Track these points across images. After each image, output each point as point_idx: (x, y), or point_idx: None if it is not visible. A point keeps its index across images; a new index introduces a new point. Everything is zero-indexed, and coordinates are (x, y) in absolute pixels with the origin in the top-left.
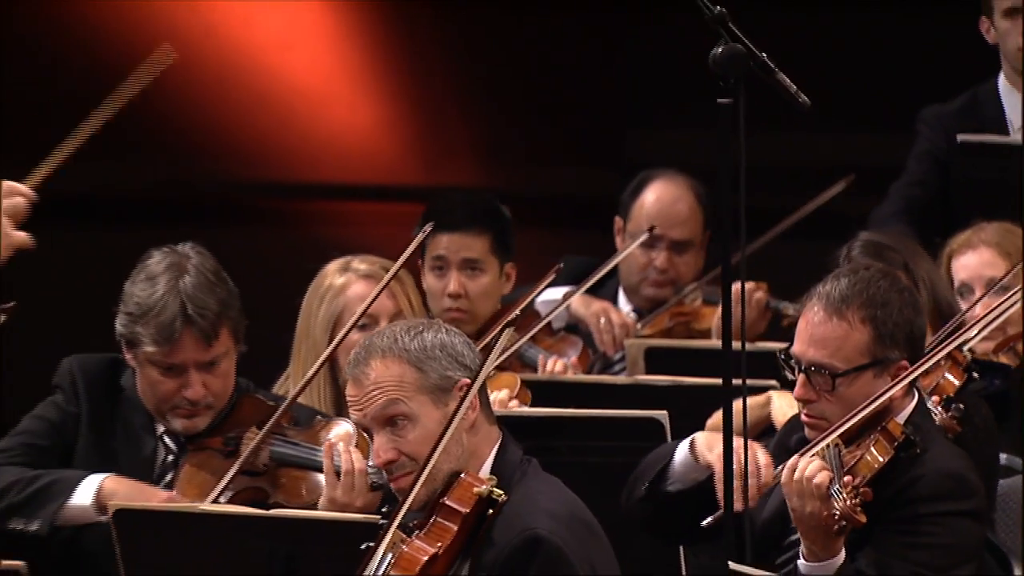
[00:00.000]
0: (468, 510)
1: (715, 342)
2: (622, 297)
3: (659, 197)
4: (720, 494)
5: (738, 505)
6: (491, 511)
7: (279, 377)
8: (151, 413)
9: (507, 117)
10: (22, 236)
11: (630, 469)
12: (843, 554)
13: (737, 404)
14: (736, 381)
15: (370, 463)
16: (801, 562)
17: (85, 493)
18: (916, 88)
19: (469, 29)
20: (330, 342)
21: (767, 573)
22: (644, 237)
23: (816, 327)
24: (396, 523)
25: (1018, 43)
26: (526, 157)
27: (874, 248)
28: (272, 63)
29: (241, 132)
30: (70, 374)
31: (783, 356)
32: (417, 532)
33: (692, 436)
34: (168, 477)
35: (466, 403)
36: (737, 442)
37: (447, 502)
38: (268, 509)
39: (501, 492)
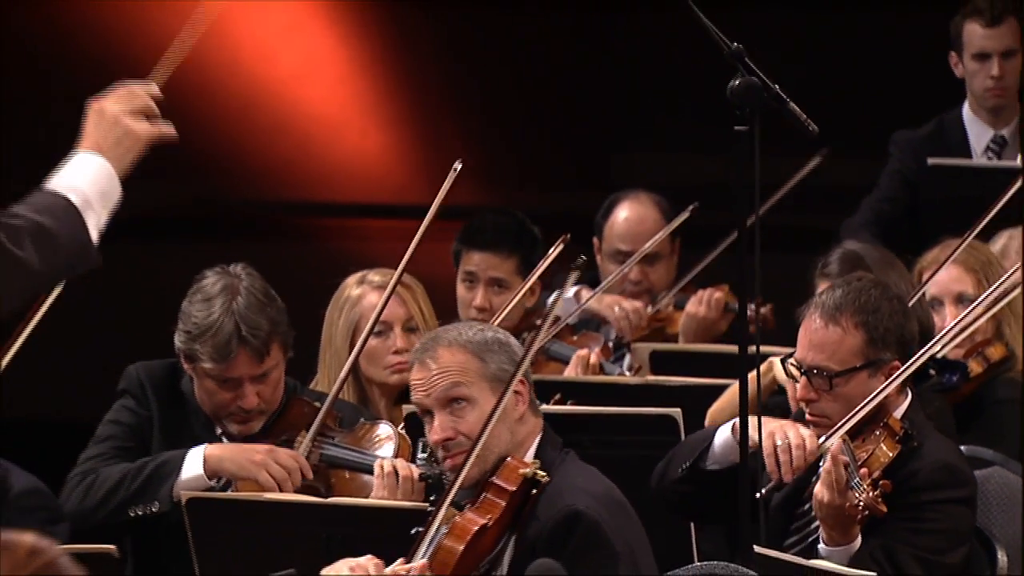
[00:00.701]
0: (515, 488)
1: (715, 346)
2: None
3: (627, 217)
4: (771, 468)
5: (787, 478)
6: (535, 491)
7: (309, 382)
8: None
9: (503, 143)
10: (168, 129)
11: (647, 461)
12: (859, 540)
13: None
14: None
15: (420, 455)
16: (822, 547)
17: (193, 465)
18: (888, 115)
19: (468, 66)
20: (350, 349)
21: (794, 558)
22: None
23: (814, 333)
24: (450, 498)
25: (984, 84)
26: (519, 179)
27: (850, 259)
28: (291, 94)
29: (264, 156)
30: (138, 380)
31: (786, 361)
32: (469, 507)
33: (733, 421)
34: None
35: (507, 396)
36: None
37: (496, 481)
38: None
39: (544, 474)
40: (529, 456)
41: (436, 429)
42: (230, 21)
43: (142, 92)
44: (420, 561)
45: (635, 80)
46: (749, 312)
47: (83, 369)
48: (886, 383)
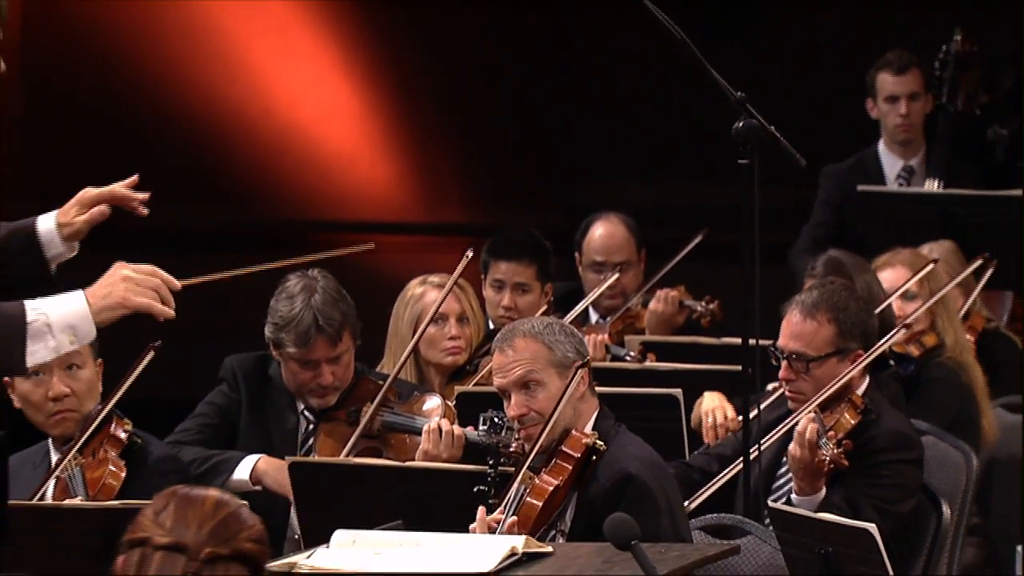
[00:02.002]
0: (579, 455)
1: (697, 338)
2: (591, 309)
3: (601, 234)
4: (708, 438)
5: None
6: (595, 457)
7: (376, 366)
8: (293, 395)
9: (487, 172)
10: (168, 311)
11: (654, 434)
12: (824, 491)
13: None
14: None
15: (481, 427)
16: (794, 497)
17: (244, 470)
18: (817, 151)
19: (459, 109)
20: (413, 337)
21: (804, 511)
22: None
23: (795, 326)
24: (528, 463)
25: (895, 121)
26: (499, 202)
27: (833, 263)
28: (314, 133)
29: (289, 183)
30: (231, 369)
31: (771, 348)
32: (543, 470)
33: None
34: (309, 442)
35: (574, 382)
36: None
37: (564, 449)
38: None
39: (602, 443)
40: (588, 428)
41: (513, 407)
42: (263, 71)
43: (162, 278)
44: (512, 518)
45: (596, 121)
46: (700, 307)
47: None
48: (851, 367)
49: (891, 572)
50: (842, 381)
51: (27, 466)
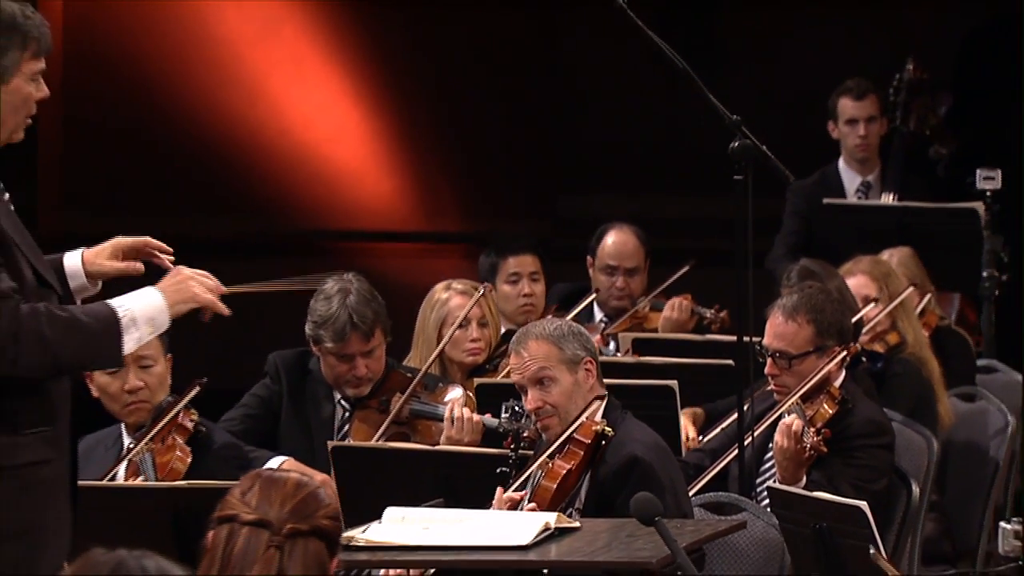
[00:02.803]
0: (589, 441)
1: (685, 335)
2: (596, 308)
3: (614, 241)
4: None
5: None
6: (604, 442)
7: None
8: (330, 386)
9: (479, 187)
10: (222, 307)
11: (651, 423)
12: (805, 479)
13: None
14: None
15: (503, 415)
16: (774, 484)
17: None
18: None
19: (455, 131)
20: (438, 338)
21: (801, 491)
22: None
23: (778, 327)
24: (548, 453)
25: (854, 142)
26: (490, 213)
27: (805, 271)
28: (325, 152)
29: (303, 196)
30: (274, 364)
31: (758, 346)
32: (557, 456)
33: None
34: (345, 428)
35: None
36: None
37: (576, 436)
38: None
39: (610, 429)
40: (598, 416)
41: (530, 401)
42: (280, 97)
43: (215, 282)
44: (530, 505)
45: (578, 141)
46: (710, 314)
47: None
48: (827, 361)
49: (880, 544)
50: (821, 374)
51: (100, 448)
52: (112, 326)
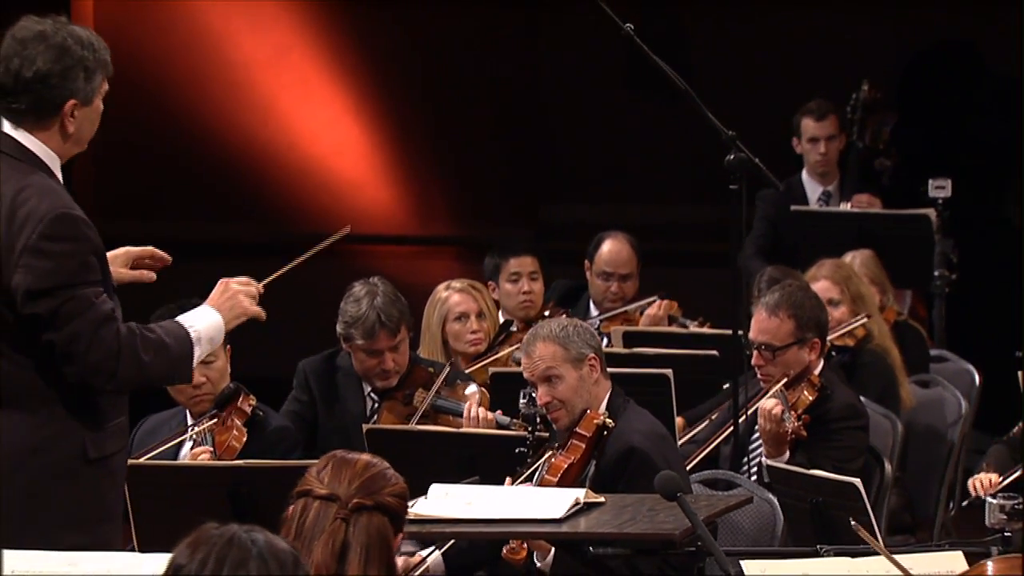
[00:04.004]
0: (591, 434)
1: (671, 329)
2: (592, 308)
3: (609, 249)
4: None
5: None
6: (605, 433)
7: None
8: (359, 380)
9: (469, 196)
10: (261, 312)
11: (647, 408)
12: (787, 454)
13: None
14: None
15: (522, 401)
16: (764, 459)
17: None
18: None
19: (447, 143)
20: (441, 331)
21: (797, 468)
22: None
23: (762, 322)
24: (553, 451)
25: (816, 158)
26: (478, 220)
27: (773, 279)
28: (329, 163)
29: (309, 204)
30: (303, 373)
31: (744, 340)
32: (560, 450)
33: None
34: (374, 418)
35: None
36: None
37: (578, 430)
38: None
39: (611, 421)
40: (602, 408)
41: (540, 396)
42: (288, 114)
43: (255, 287)
44: None
45: (559, 152)
46: (693, 326)
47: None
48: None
49: (872, 517)
50: (803, 365)
51: (164, 428)
52: (187, 346)
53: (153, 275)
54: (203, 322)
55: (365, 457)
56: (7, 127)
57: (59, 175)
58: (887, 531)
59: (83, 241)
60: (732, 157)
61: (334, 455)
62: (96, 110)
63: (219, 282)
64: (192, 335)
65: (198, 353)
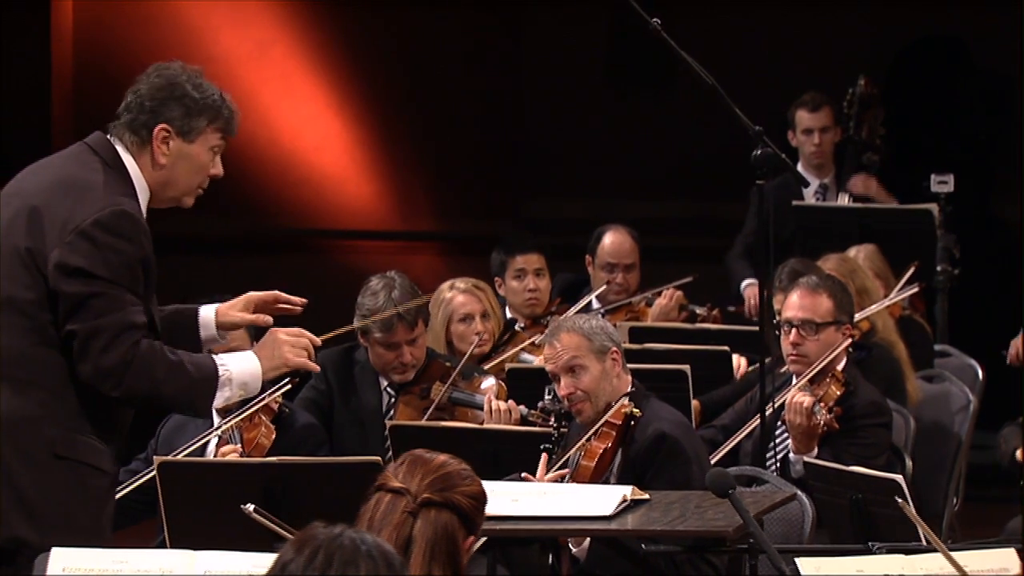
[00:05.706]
0: (620, 422)
1: (677, 324)
2: (595, 300)
3: (611, 241)
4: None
5: None
6: (633, 422)
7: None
8: (376, 373)
9: (450, 190)
10: (312, 365)
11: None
12: (816, 451)
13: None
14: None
15: (547, 396)
16: (792, 455)
17: None
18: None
19: (430, 138)
20: (445, 331)
21: (836, 464)
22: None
23: (803, 299)
24: (587, 437)
25: (810, 149)
26: (460, 214)
27: (793, 270)
28: (311, 159)
29: (291, 199)
30: (321, 364)
31: (777, 322)
32: (592, 437)
33: None
34: (391, 412)
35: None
36: None
37: (609, 419)
38: None
39: (638, 411)
40: (625, 400)
41: (563, 387)
42: (270, 110)
43: (308, 339)
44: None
45: (539, 149)
46: (702, 312)
47: None
48: (842, 342)
49: (915, 514)
50: (838, 350)
51: (191, 424)
52: (211, 381)
53: (270, 319)
54: (239, 366)
55: (443, 456)
56: (113, 139)
57: (143, 206)
58: None
59: (135, 245)
60: (759, 152)
61: (412, 452)
62: (196, 155)
63: (268, 331)
64: (222, 374)
65: (226, 395)
